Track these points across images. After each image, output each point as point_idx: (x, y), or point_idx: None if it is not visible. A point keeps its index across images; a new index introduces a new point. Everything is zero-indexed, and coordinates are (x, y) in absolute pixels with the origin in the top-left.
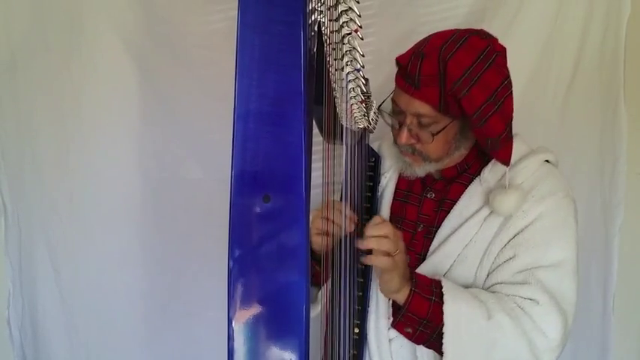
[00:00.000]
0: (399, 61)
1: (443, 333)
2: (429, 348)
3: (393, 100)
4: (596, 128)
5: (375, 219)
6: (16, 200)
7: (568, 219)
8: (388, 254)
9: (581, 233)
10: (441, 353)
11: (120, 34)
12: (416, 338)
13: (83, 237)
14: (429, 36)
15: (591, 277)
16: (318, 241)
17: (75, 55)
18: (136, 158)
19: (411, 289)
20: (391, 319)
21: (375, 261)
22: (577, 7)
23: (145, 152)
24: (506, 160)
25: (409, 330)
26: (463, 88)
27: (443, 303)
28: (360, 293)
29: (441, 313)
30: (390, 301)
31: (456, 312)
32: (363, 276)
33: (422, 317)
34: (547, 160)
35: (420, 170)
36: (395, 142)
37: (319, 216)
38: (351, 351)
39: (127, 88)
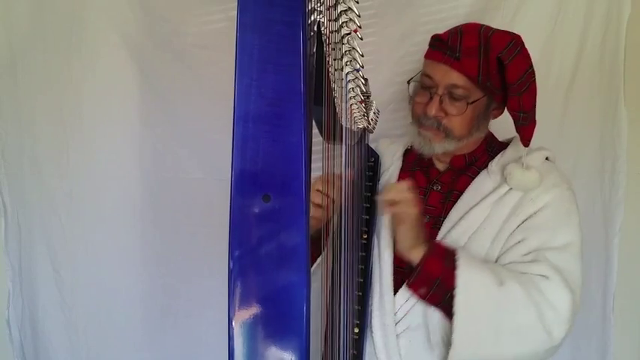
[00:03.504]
0: (437, 36)
1: (454, 296)
2: (443, 311)
3: (425, 75)
4: (596, 128)
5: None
6: (16, 200)
7: (572, 209)
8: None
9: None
10: (451, 318)
11: (120, 34)
12: (429, 298)
13: (83, 237)
14: (458, 25)
15: (591, 277)
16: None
17: (75, 55)
18: (136, 158)
19: (426, 249)
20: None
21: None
22: (577, 7)
23: (145, 152)
24: (528, 139)
25: (423, 290)
26: (508, 56)
27: (457, 267)
28: (360, 293)
29: (454, 276)
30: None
31: (468, 275)
32: (362, 276)
33: (435, 277)
34: (547, 158)
35: (439, 147)
36: (415, 119)
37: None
38: (351, 351)
39: (127, 88)
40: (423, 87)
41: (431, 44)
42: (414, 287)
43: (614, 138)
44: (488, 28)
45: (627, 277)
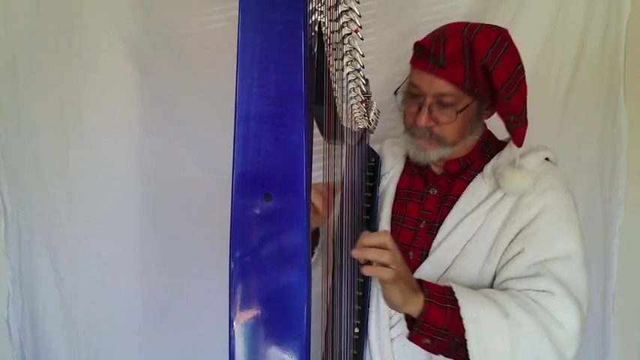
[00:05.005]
0: (419, 43)
1: (465, 340)
2: (448, 357)
3: (412, 84)
4: (596, 128)
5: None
6: (16, 200)
7: (571, 212)
8: (387, 265)
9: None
10: None
11: (120, 34)
12: (434, 348)
13: (83, 237)
14: (442, 26)
15: (591, 277)
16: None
17: (75, 55)
18: (136, 158)
19: (425, 300)
20: (407, 331)
21: (373, 272)
22: (577, 7)
23: (145, 152)
24: (520, 140)
25: (427, 341)
26: (493, 61)
27: (458, 308)
28: (360, 293)
29: (459, 318)
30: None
31: (474, 315)
32: (363, 276)
33: (439, 326)
34: (547, 159)
35: (434, 154)
36: (407, 128)
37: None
38: (351, 351)
39: (127, 88)
40: (411, 95)
41: (415, 51)
42: (416, 339)
43: (614, 138)
44: (472, 28)
45: (627, 277)
